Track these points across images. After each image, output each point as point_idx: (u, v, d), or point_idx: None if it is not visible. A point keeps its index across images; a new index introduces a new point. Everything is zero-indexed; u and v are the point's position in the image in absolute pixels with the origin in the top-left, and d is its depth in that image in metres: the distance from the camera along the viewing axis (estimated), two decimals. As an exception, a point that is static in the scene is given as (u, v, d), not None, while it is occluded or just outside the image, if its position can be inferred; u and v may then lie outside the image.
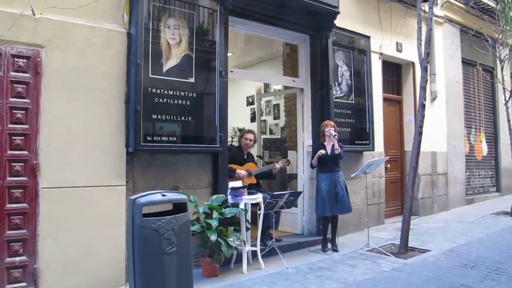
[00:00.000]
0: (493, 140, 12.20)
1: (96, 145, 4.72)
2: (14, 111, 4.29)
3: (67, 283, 4.44)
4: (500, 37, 9.60)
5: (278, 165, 6.58)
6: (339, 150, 6.15)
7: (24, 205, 4.32)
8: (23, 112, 4.34)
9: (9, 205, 4.24)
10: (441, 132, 9.82)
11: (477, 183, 11.40)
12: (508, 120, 9.43)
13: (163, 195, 3.74)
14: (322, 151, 6.18)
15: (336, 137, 6.17)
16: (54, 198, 4.42)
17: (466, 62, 10.97)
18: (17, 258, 4.25)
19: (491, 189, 11.95)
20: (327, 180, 6.26)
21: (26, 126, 4.35)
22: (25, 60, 4.37)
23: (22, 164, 4.32)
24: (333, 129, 6.27)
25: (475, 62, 11.00)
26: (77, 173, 4.57)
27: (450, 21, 10.35)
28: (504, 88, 9.62)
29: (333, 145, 6.22)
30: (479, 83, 11.74)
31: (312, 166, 6.53)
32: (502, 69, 9.65)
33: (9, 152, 4.26)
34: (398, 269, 5.39)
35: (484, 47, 9.83)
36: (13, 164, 4.28)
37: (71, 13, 4.59)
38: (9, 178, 4.25)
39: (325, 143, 6.30)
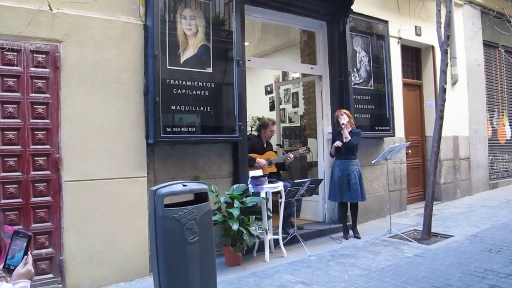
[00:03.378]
0: (517, 123, 11.96)
1: (116, 138, 4.77)
2: (35, 106, 4.36)
3: (93, 274, 4.51)
4: (523, 17, 9.37)
5: (291, 155, 6.54)
6: (348, 138, 6.12)
7: (48, 198, 4.39)
8: (44, 107, 4.40)
9: (33, 199, 4.32)
10: (462, 116, 9.66)
11: (500, 167, 11.20)
12: (532, 102, 9.24)
13: (184, 185, 3.75)
14: (338, 143, 6.17)
15: (343, 125, 6.14)
16: (77, 191, 4.49)
17: (487, 44, 10.74)
18: (44, 250, 4.34)
19: (516, 173, 11.75)
20: (340, 166, 6.25)
21: (47, 121, 4.41)
22: (44, 56, 4.41)
23: (44, 158, 4.39)
24: (344, 116, 6.22)
25: (497, 44, 10.77)
26: (98, 165, 4.63)
27: (470, 2, 10.12)
28: (527, 70, 9.41)
29: (349, 132, 6.17)
30: (501, 65, 11.48)
31: (331, 155, 6.50)
32: (525, 50, 9.44)
33: (32, 146, 4.33)
34: (421, 255, 5.34)
35: (506, 28, 9.60)
36: (36, 158, 4.35)
37: (88, 7, 4.62)
38: (32, 172, 4.32)
39: (342, 131, 6.25)
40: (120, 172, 4.76)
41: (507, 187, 10.77)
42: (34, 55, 4.37)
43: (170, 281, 3.51)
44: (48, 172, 4.40)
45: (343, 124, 6.14)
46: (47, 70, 4.42)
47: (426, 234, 6.06)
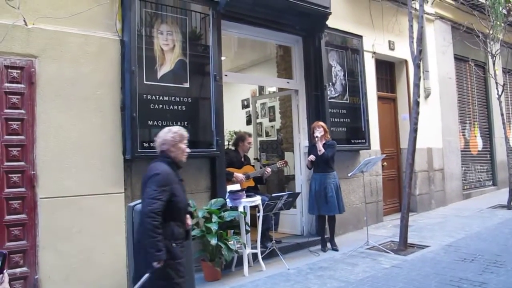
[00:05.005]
0: (488, 135, 12.25)
1: (93, 154, 4.72)
2: (10, 122, 4.29)
3: (69, 293, 4.43)
4: (491, 32, 9.66)
5: (269, 169, 6.57)
6: (322, 151, 6.19)
7: (23, 216, 4.31)
8: (18, 123, 4.33)
9: (8, 217, 4.24)
10: (436, 128, 9.86)
11: (473, 177, 11.45)
12: (502, 114, 9.51)
13: (162, 201, 3.73)
14: (312, 157, 6.26)
15: (317, 139, 6.21)
16: (53, 208, 4.42)
17: (458, 58, 11.03)
18: (18, 270, 4.24)
19: (487, 183, 12.01)
20: (317, 180, 6.32)
21: (22, 137, 4.35)
22: (18, 71, 4.36)
23: (19, 175, 4.31)
24: (321, 129, 6.29)
25: (467, 58, 11.06)
26: (75, 182, 4.57)
27: (441, 18, 10.40)
28: (496, 83, 9.68)
29: (323, 144, 6.25)
30: (471, 78, 11.80)
31: (308, 168, 6.57)
32: (494, 64, 9.70)
33: (6, 163, 4.26)
34: (398, 266, 5.41)
35: (476, 42, 9.89)
36: (10, 175, 4.27)
37: (64, 22, 4.60)
38: (7, 190, 4.24)
39: (316, 144, 6.33)
40: (97, 188, 4.71)
41: (479, 197, 10.99)
42: (9, 70, 4.31)
43: (149, 298, 3.48)
44: (23, 189, 4.32)
45: (316, 137, 6.21)
46: (22, 85, 4.37)
47: (403, 245, 6.14)
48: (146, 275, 3.08)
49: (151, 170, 3.32)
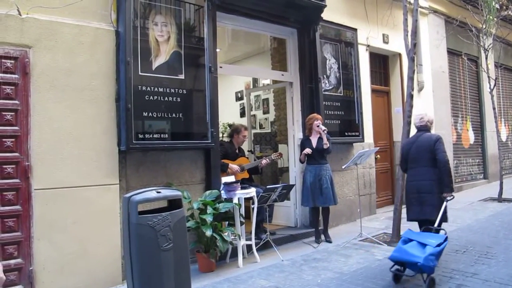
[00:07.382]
0: (479, 128, 12.35)
1: (88, 145, 4.71)
2: (4, 113, 4.26)
3: (64, 284, 4.43)
4: (484, 26, 9.70)
5: (264, 161, 6.59)
6: (328, 145, 6.21)
7: (17, 207, 4.29)
8: (12, 113, 4.30)
9: (1, 208, 4.22)
10: (428, 122, 9.87)
11: (465, 170, 11.54)
12: (494, 108, 9.57)
13: (158, 192, 3.74)
14: (308, 150, 6.26)
15: (325, 131, 6.22)
16: (47, 199, 4.40)
17: (451, 52, 11.09)
18: (12, 261, 4.23)
19: (479, 176, 12.12)
20: (312, 172, 6.33)
21: (16, 128, 4.32)
22: (12, 61, 4.32)
23: (13, 166, 4.29)
24: (321, 122, 6.32)
25: (460, 52, 11.11)
26: (69, 173, 4.56)
27: (435, 11, 10.44)
28: (489, 77, 9.74)
29: (319, 138, 6.27)
30: (464, 72, 11.87)
31: (301, 162, 6.58)
32: (486, 58, 9.74)
33: (0, 154, 4.23)
34: (391, 258, 5.44)
35: (469, 36, 9.93)
36: (4, 166, 4.25)
37: (58, 12, 4.56)
38: (1, 181, 4.22)
39: (310, 137, 6.36)
40: (91, 179, 4.70)
41: (471, 190, 11.07)
42: (3, 60, 4.27)
43: (145, 289, 3.49)
44: (17, 180, 4.30)
45: (324, 130, 6.23)
46: (16, 76, 4.34)
47: (396, 237, 6.17)
48: (445, 203, 4.92)
49: (431, 137, 5.30)
